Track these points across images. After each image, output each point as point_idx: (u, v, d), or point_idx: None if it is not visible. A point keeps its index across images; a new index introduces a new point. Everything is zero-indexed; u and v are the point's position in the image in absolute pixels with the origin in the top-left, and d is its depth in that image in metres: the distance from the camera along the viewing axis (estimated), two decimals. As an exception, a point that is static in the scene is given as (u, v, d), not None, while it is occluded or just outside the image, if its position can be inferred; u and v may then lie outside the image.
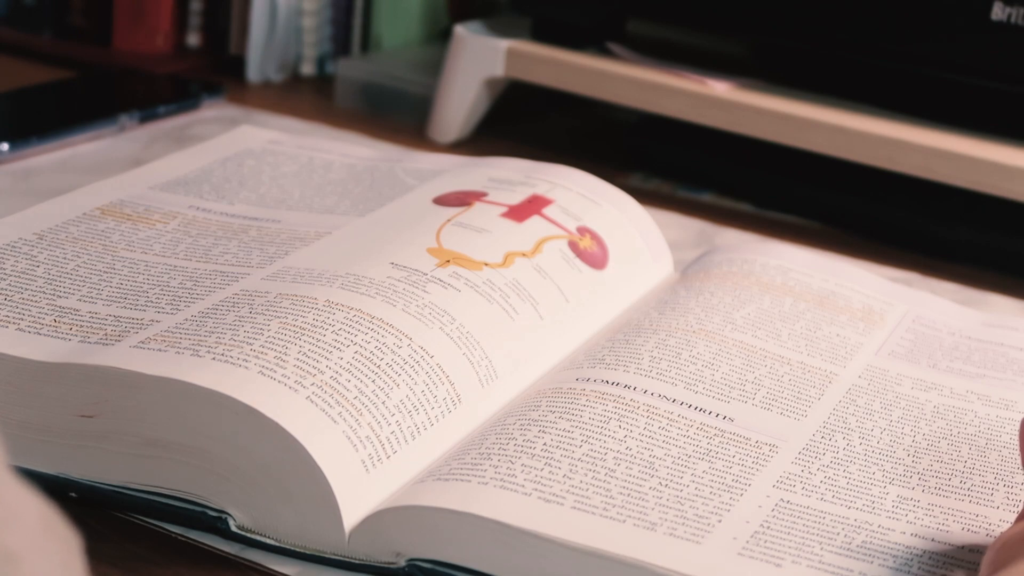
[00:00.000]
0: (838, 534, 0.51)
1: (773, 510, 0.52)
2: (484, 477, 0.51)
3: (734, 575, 0.48)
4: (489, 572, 0.49)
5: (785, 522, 0.51)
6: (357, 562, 0.50)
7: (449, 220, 0.67)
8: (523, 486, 0.50)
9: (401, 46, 1.12)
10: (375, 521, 0.50)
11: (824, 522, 0.52)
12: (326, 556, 0.50)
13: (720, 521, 0.51)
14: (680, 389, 0.59)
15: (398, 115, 1.03)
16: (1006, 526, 0.53)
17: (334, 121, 0.99)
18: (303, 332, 0.55)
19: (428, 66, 1.04)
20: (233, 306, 0.58)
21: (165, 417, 0.51)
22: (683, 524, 0.50)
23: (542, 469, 0.52)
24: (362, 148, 0.85)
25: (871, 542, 0.51)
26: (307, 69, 1.10)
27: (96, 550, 0.51)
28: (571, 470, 0.52)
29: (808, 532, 0.51)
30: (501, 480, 0.51)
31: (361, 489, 0.50)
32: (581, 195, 0.73)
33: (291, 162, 0.80)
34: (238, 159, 0.79)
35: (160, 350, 0.53)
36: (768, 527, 0.51)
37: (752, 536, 0.50)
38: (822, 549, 0.50)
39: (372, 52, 1.11)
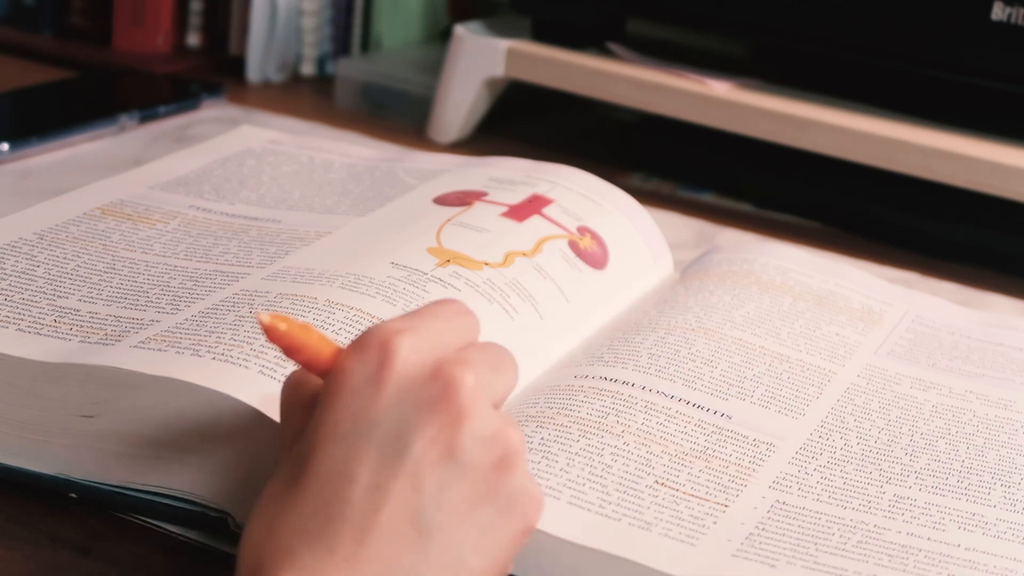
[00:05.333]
0: (833, 534, 0.51)
1: (768, 511, 0.52)
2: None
3: (728, 576, 0.48)
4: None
5: (780, 523, 0.51)
6: (357, 561, 0.50)
7: (449, 220, 0.67)
8: None
9: (401, 46, 1.12)
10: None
11: (819, 522, 0.52)
12: (326, 555, 0.50)
13: (715, 523, 0.51)
14: (678, 386, 0.59)
15: (398, 115, 1.03)
16: (1004, 525, 0.53)
17: (334, 121, 0.99)
18: (303, 332, 0.55)
19: (428, 66, 1.04)
20: (233, 306, 0.58)
21: (165, 417, 0.51)
22: (678, 525, 0.50)
23: (539, 463, 0.52)
24: (362, 148, 0.85)
25: (867, 541, 0.51)
26: (307, 69, 1.10)
27: (96, 550, 0.51)
28: (568, 464, 0.52)
29: (803, 532, 0.51)
30: None
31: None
32: (581, 195, 0.73)
33: (291, 162, 0.80)
34: (238, 159, 0.79)
35: (160, 350, 0.54)
36: (763, 528, 0.51)
37: (747, 538, 0.50)
38: (817, 549, 0.50)
39: (372, 52, 1.11)
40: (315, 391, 0.44)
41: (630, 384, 0.58)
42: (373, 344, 0.42)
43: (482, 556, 0.42)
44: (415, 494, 0.41)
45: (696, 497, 0.52)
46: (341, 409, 0.41)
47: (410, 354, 0.42)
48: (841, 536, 0.51)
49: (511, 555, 0.43)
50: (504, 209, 0.69)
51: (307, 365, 0.44)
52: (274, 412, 0.50)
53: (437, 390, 0.42)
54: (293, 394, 0.45)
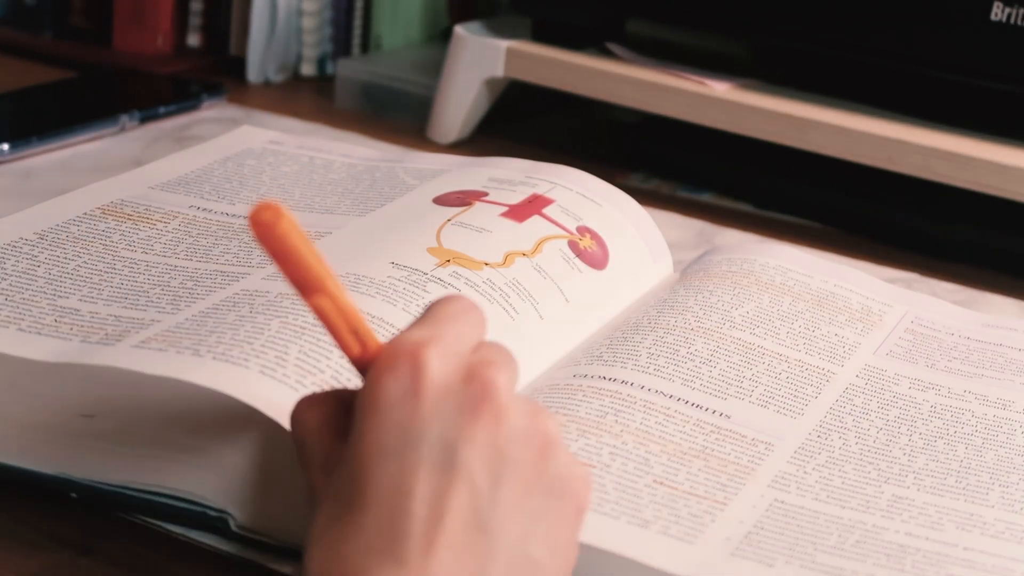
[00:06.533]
0: (831, 534, 0.51)
1: (767, 510, 0.52)
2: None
3: (726, 575, 0.48)
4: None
5: (779, 522, 0.51)
6: (356, 561, 0.50)
7: (449, 220, 0.67)
8: None
9: (401, 46, 1.12)
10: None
11: (818, 522, 0.52)
12: (325, 555, 0.51)
13: (713, 520, 0.51)
14: (677, 385, 0.59)
15: (398, 115, 1.03)
16: (1002, 524, 0.53)
17: (334, 121, 0.99)
18: (303, 331, 0.55)
19: (428, 66, 1.04)
20: (234, 306, 0.58)
21: (165, 417, 0.52)
22: (676, 523, 0.50)
23: (539, 463, 0.52)
24: (362, 148, 0.85)
25: (865, 541, 0.51)
26: (307, 69, 1.10)
27: (97, 550, 0.51)
28: (567, 464, 0.52)
29: (801, 532, 0.51)
30: None
31: (360, 488, 0.50)
32: (581, 195, 0.73)
33: (291, 162, 0.80)
34: (238, 159, 0.80)
35: (161, 350, 0.54)
36: (761, 527, 0.51)
37: (745, 536, 0.50)
38: (815, 549, 0.50)
39: (372, 52, 1.11)
40: (334, 411, 0.45)
41: (629, 383, 0.58)
42: (402, 358, 0.43)
43: (544, 545, 0.43)
44: (472, 497, 0.41)
45: (694, 495, 0.52)
46: (384, 426, 0.42)
47: (440, 363, 0.43)
48: (839, 536, 0.51)
49: (573, 539, 0.44)
50: (504, 209, 0.69)
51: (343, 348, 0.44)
52: (273, 412, 0.50)
53: (475, 394, 0.43)
54: (311, 417, 0.45)
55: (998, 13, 0.84)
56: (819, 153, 0.88)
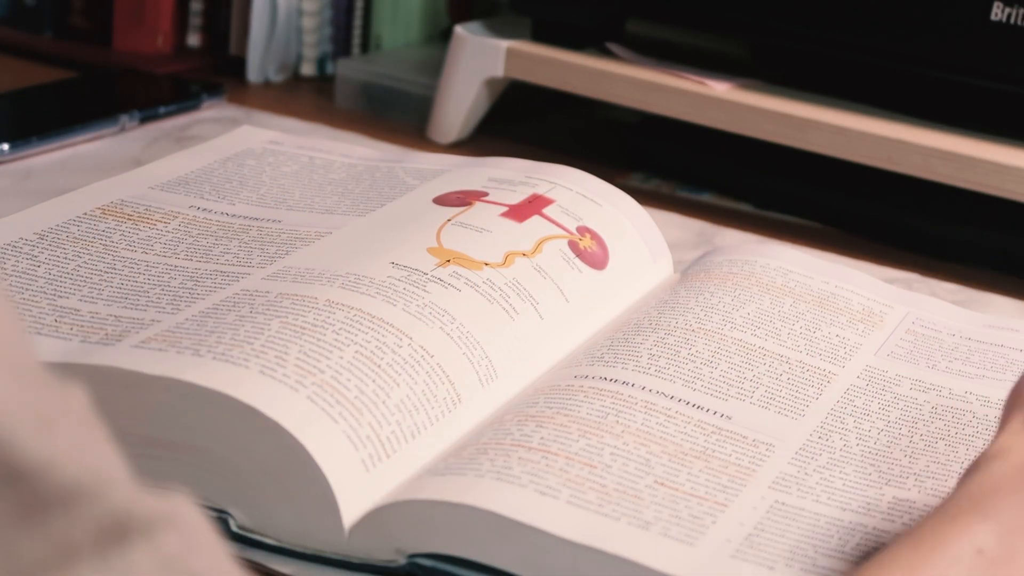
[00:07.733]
0: (832, 536, 0.51)
1: (768, 512, 0.52)
2: (480, 470, 0.51)
3: (727, 578, 0.48)
4: (486, 563, 0.49)
5: (779, 524, 0.51)
6: (357, 561, 0.50)
7: (449, 220, 0.67)
8: (519, 478, 0.51)
9: (401, 46, 1.12)
10: (374, 518, 0.50)
11: (818, 524, 0.52)
12: (326, 556, 0.51)
13: (714, 522, 0.51)
14: (678, 386, 0.59)
15: (398, 115, 1.03)
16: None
17: (334, 121, 0.99)
18: (303, 332, 0.55)
19: (428, 66, 1.04)
20: (234, 306, 0.58)
21: (165, 417, 0.52)
22: (677, 524, 0.50)
23: (538, 462, 0.52)
24: (362, 148, 0.85)
25: (865, 544, 0.51)
26: (307, 69, 1.10)
27: (96, 550, 0.51)
28: (567, 464, 0.52)
29: (802, 534, 0.51)
30: (497, 473, 0.51)
31: (361, 489, 0.50)
32: (581, 195, 0.73)
33: (291, 162, 0.80)
34: (238, 159, 0.79)
35: (161, 350, 0.54)
36: (762, 529, 0.51)
37: (746, 538, 0.50)
38: (815, 552, 0.50)
39: (372, 52, 1.11)
40: None
41: (630, 384, 0.58)
42: None
43: None
44: None
45: (695, 497, 0.52)
46: None
47: None
48: (840, 539, 0.51)
49: None
50: (504, 209, 0.69)
51: None
52: (273, 412, 0.50)
53: None
54: None
55: (998, 13, 0.83)
56: (819, 153, 0.88)
